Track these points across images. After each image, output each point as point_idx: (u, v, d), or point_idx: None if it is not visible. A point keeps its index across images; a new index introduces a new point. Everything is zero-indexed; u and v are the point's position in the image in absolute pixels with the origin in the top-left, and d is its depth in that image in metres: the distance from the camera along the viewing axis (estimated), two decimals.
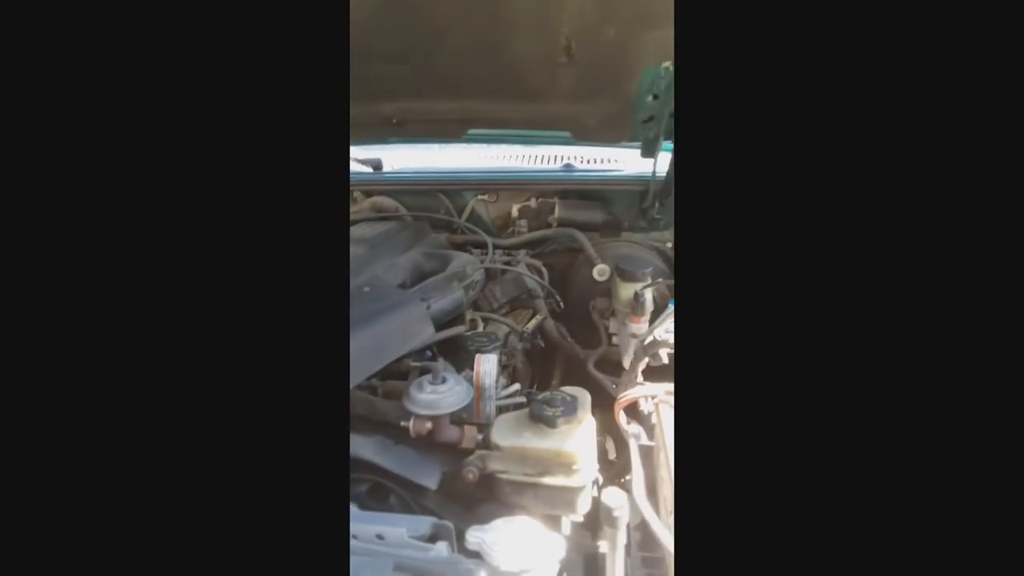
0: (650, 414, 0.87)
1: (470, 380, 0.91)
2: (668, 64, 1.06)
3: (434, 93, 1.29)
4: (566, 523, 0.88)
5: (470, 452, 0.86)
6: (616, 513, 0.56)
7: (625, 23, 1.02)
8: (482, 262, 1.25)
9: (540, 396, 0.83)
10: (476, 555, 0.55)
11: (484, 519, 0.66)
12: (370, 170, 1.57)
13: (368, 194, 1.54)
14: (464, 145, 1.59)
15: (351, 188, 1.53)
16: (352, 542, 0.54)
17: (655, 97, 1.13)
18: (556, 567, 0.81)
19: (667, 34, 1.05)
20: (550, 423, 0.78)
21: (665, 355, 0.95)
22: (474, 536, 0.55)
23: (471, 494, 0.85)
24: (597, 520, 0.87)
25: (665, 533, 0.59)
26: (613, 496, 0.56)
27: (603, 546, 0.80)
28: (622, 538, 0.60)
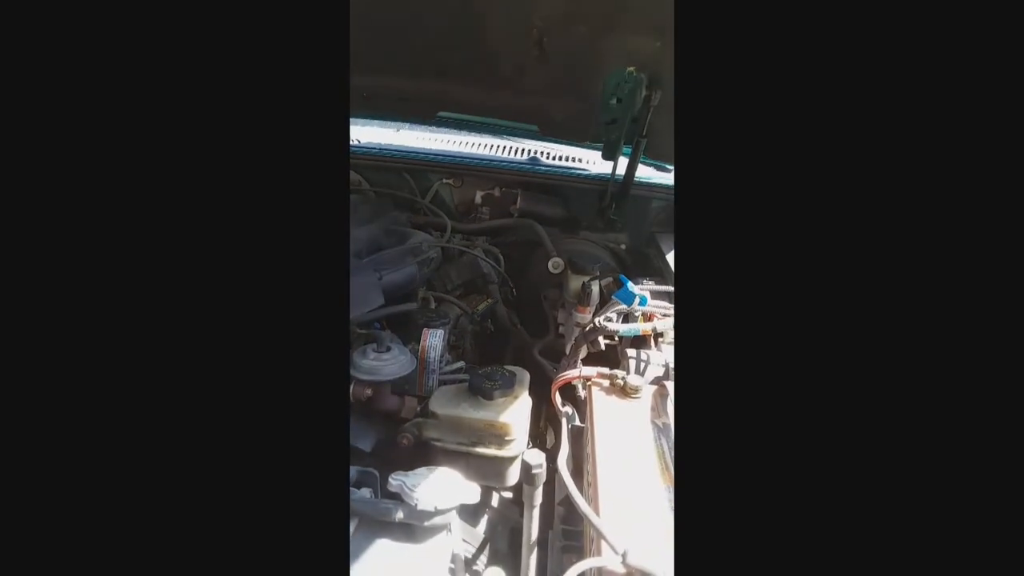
0: (584, 397, 0.91)
1: (416, 353, 0.93)
2: (632, 69, 1.11)
3: (406, 70, 1.30)
4: (495, 497, 0.91)
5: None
6: (535, 471, 0.59)
7: (596, 23, 1.06)
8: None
9: (481, 370, 0.86)
10: (396, 497, 0.57)
11: None
12: None
13: None
14: (432, 128, 1.60)
15: None
16: None
17: (618, 100, 1.18)
18: (481, 535, 0.84)
19: (637, 39, 1.11)
20: (487, 395, 0.81)
21: (603, 342, 1.00)
22: (396, 480, 0.58)
23: (406, 461, 0.87)
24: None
25: (585, 506, 0.62)
26: (533, 455, 0.60)
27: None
28: (539, 497, 0.63)
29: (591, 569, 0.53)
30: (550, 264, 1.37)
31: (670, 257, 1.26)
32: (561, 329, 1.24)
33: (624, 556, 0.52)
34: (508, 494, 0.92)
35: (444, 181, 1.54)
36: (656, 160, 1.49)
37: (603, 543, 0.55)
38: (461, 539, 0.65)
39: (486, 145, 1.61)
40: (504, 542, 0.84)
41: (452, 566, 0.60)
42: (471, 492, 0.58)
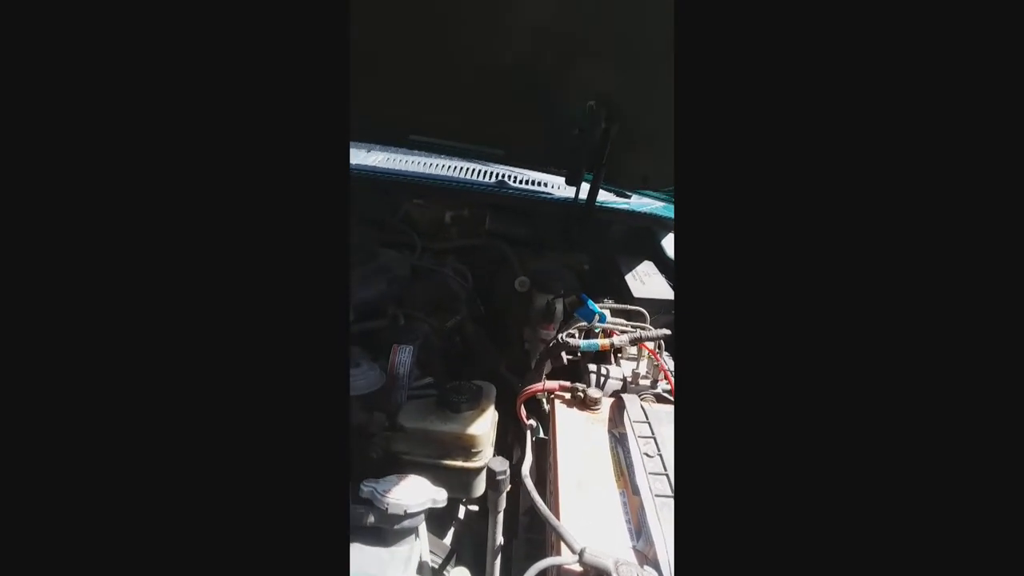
0: (548, 410, 0.96)
1: (385, 369, 0.95)
2: (592, 103, 1.19)
3: (377, 96, 1.35)
4: (462, 510, 0.94)
5: None
6: (499, 477, 0.63)
7: (562, 55, 1.14)
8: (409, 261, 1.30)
9: (449, 385, 0.90)
10: (368, 502, 0.59)
11: None
12: None
13: None
14: (402, 151, 1.65)
15: None
16: None
17: (580, 131, 1.26)
18: (448, 546, 0.87)
19: (598, 71, 1.19)
20: (455, 408, 0.85)
21: (565, 358, 1.06)
22: (367, 486, 0.60)
23: (375, 474, 0.88)
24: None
25: (546, 509, 0.65)
26: (497, 463, 0.64)
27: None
28: (503, 503, 0.67)
29: (551, 567, 0.57)
30: (517, 283, 1.42)
31: (629, 277, 1.34)
32: (527, 345, 1.29)
33: (581, 554, 0.56)
34: (474, 507, 0.94)
35: (414, 201, 1.58)
36: (616, 187, 1.58)
37: (562, 544, 0.59)
38: (428, 549, 0.67)
39: (456, 167, 1.67)
40: (470, 552, 0.87)
41: (419, 574, 0.63)
42: (439, 496, 0.61)
